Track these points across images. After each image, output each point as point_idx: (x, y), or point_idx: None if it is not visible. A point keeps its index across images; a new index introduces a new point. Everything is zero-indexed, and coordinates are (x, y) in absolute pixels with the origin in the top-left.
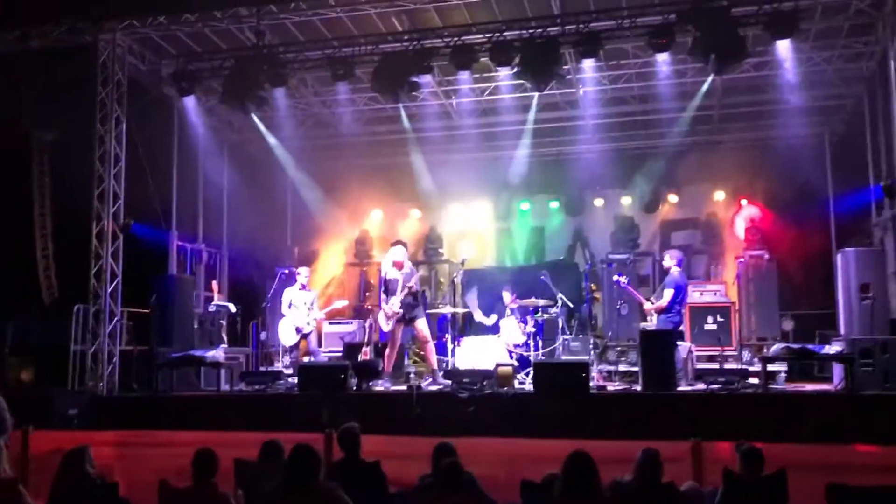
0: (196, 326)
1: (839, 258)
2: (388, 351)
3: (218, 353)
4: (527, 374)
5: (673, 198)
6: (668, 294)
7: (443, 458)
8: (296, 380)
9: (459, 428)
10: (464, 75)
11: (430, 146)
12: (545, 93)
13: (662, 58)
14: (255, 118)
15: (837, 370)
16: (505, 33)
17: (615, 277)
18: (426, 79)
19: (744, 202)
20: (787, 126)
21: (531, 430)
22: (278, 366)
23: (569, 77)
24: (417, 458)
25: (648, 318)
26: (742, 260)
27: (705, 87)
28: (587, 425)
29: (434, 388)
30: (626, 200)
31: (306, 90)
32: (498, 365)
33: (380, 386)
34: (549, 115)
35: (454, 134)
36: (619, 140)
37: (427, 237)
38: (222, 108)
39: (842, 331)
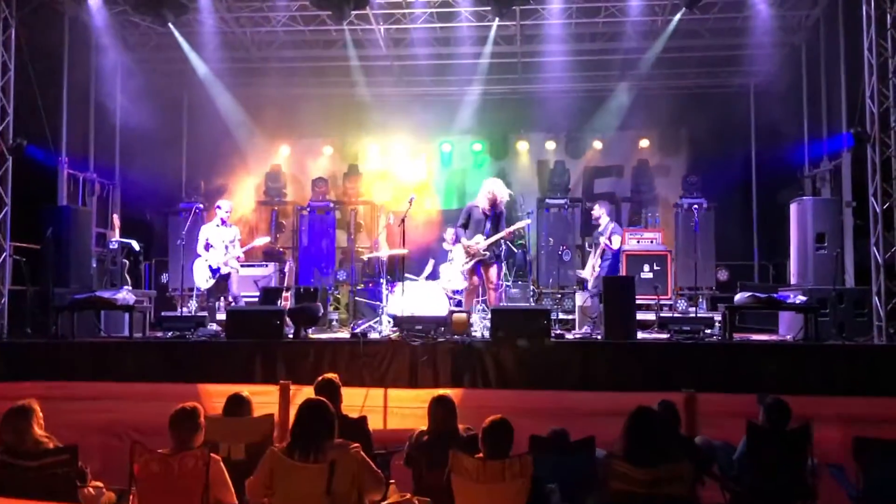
0: (95, 265)
1: (794, 207)
2: (467, 289)
3: (128, 296)
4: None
5: (598, 144)
6: (617, 240)
7: (444, 412)
8: (215, 326)
9: (411, 378)
10: None
11: (347, 77)
12: (476, 25)
13: None
14: (175, 30)
15: (785, 320)
16: None
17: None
18: None
19: None
20: (713, 75)
21: (490, 381)
22: (180, 312)
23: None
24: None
25: (591, 267)
26: (679, 208)
27: (671, 27)
28: (550, 375)
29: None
30: (550, 145)
31: (220, 4)
32: (451, 311)
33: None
34: (469, 50)
35: (375, 66)
36: (546, 82)
37: (345, 176)
38: (117, 22)
39: (793, 280)
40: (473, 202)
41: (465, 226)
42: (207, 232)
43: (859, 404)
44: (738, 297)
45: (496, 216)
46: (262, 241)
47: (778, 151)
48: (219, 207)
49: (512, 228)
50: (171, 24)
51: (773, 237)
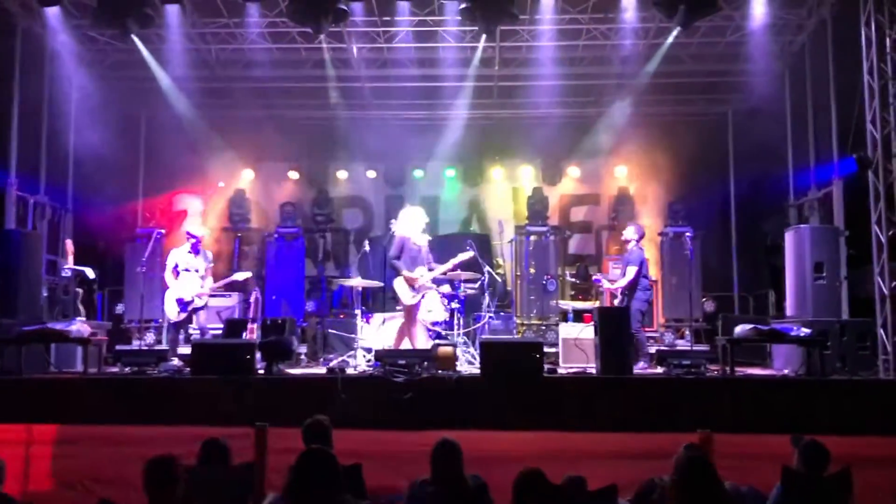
0: (45, 295)
1: (790, 235)
2: (405, 326)
3: (82, 327)
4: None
5: (574, 171)
6: (632, 270)
7: (449, 459)
8: (177, 361)
9: (394, 419)
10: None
11: (315, 99)
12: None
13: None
14: (139, 42)
15: (781, 353)
16: None
17: (595, 276)
18: (358, 7)
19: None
20: (692, 102)
21: (481, 420)
22: (138, 345)
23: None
24: (372, 458)
25: (616, 299)
26: (665, 236)
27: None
28: (545, 414)
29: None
30: (525, 172)
31: (185, 19)
32: (437, 344)
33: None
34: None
35: (345, 87)
36: (523, 107)
37: (315, 202)
38: (73, 36)
39: (790, 311)
40: (403, 234)
41: (399, 258)
42: (177, 257)
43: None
44: (738, 329)
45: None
46: (243, 275)
47: (758, 180)
48: (190, 235)
49: (457, 260)
50: (134, 36)
51: (754, 268)
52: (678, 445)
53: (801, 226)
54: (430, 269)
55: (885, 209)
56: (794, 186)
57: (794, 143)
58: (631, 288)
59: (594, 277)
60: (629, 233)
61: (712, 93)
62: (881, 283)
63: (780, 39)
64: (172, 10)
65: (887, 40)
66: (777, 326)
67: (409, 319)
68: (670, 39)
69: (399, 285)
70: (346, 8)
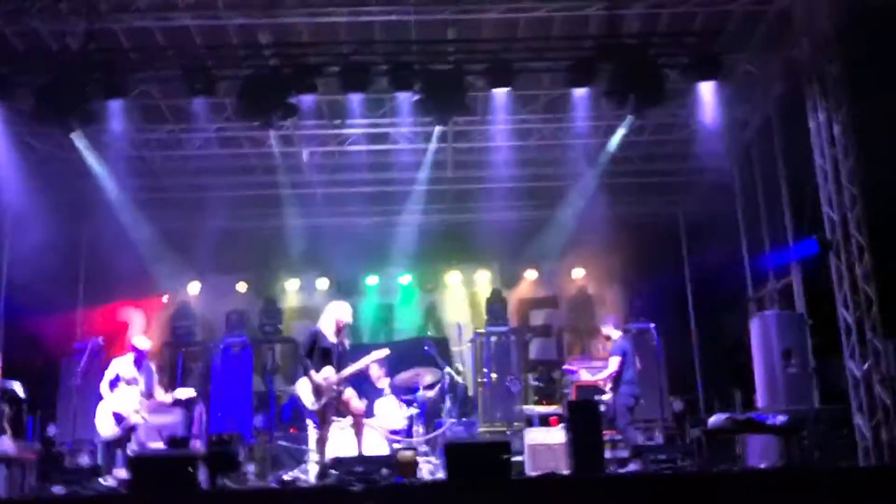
0: None
1: (755, 323)
2: (319, 433)
3: (8, 446)
4: None
5: (531, 274)
6: (615, 361)
7: None
8: (111, 481)
9: None
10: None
11: (265, 209)
12: (409, 148)
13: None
14: (80, 143)
15: (757, 447)
16: (401, 57)
17: (564, 367)
18: (309, 101)
19: None
20: (643, 203)
21: None
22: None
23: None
24: None
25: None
26: (628, 332)
27: (615, 141)
28: None
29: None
30: (482, 276)
31: (129, 125)
32: (398, 449)
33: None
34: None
35: (295, 194)
36: (476, 211)
37: (263, 312)
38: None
39: (760, 402)
40: (317, 327)
41: (310, 354)
42: (118, 368)
43: None
44: (712, 419)
45: (342, 345)
46: (185, 392)
47: (714, 275)
48: (134, 348)
49: (369, 359)
50: (73, 136)
51: (717, 366)
52: None
53: (767, 312)
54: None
55: (850, 291)
56: (752, 278)
57: (747, 235)
58: (615, 381)
59: (566, 366)
60: (608, 329)
61: (663, 192)
62: (852, 366)
63: (727, 136)
64: (116, 113)
65: (834, 125)
66: (753, 416)
67: (319, 425)
68: (621, 132)
69: (302, 387)
70: (295, 102)
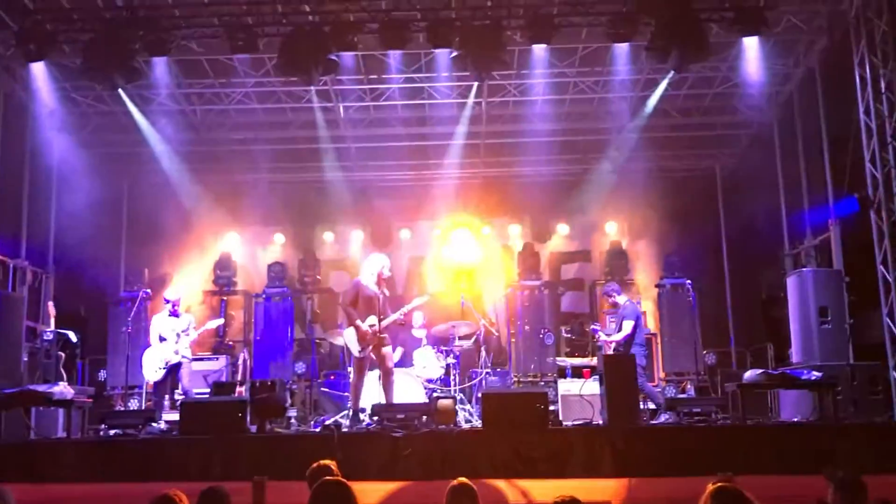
0: (25, 359)
1: (792, 280)
2: (355, 380)
3: (65, 390)
4: None
5: (563, 229)
6: (629, 325)
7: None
8: (163, 424)
9: (395, 474)
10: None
11: (301, 162)
12: (443, 102)
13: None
14: (125, 96)
15: (790, 401)
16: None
17: (591, 327)
18: (349, 59)
19: None
20: (680, 157)
21: (484, 473)
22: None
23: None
24: None
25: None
26: (662, 288)
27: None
28: (552, 464)
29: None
30: (513, 230)
31: (171, 80)
32: (437, 398)
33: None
34: (432, 131)
35: (332, 148)
36: (509, 165)
37: (302, 264)
38: (56, 100)
39: (795, 358)
40: (358, 279)
41: (354, 304)
42: (158, 324)
43: None
44: (748, 374)
45: (384, 294)
46: (215, 323)
47: (750, 231)
48: (167, 301)
49: (410, 307)
50: (121, 91)
51: (751, 321)
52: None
53: (804, 269)
54: (382, 319)
55: (891, 248)
56: (789, 234)
57: (785, 190)
58: (627, 343)
59: (592, 326)
60: (615, 298)
61: (701, 146)
62: (890, 324)
63: (768, 90)
64: (160, 68)
65: (881, 80)
66: (788, 371)
67: (356, 373)
68: (663, 86)
69: (349, 335)
70: (336, 58)
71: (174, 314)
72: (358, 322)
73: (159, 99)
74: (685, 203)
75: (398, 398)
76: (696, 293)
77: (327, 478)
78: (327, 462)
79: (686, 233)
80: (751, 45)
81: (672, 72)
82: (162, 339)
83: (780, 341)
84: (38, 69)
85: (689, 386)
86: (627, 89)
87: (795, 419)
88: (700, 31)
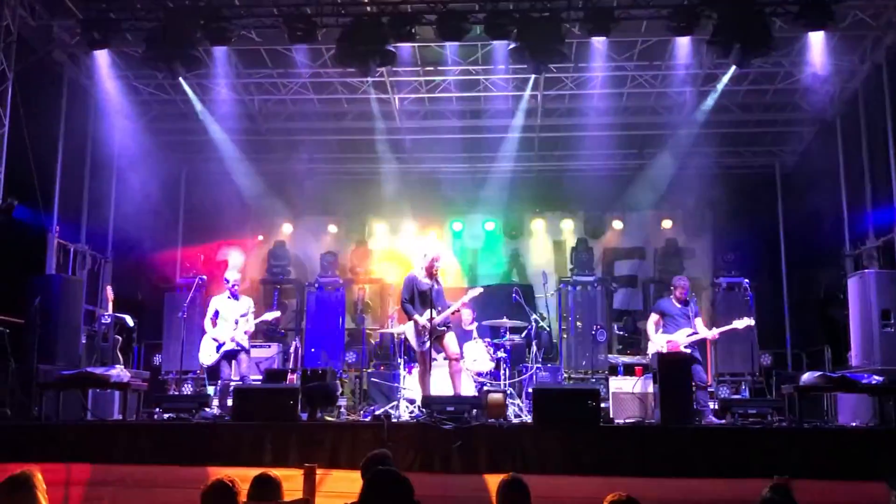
0: (84, 342)
1: (853, 282)
2: (421, 371)
3: (122, 373)
4: None
5: (617, 224)
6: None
7: (519, 498)
8: (216, 409)
9: (443, 466)
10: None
11: (355, 153)
12: (498, 95)
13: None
14: (186, 85)
15: (849, 406)
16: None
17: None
18: (405, 50)
19: None
20: (738, 153)
21: (533, 468)
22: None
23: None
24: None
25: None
26: (717, 287)
27: (716, 93)
28: (602, 462)
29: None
30: (567, 224)
31: (230, 69)
32: (487, 391)
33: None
34: (486, 124)
35: (385, 140)
36: (564, 160)
37: (354, 254)
38: (117, 88)
39: (855, 361)
40: (411, 273)
41: (411, 300)
42: (217, 303)
43: None
44: (805, 377)
45: (438, 285)
46: (271, 315)
47: (810, 231)
48: (226, 280)
49: (466, 298)
50: (181, 79)
51: (807, 323)
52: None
53: (866, 271)
54: (439, 312)
55: None
56: (850, 234)
57: (848, 189)
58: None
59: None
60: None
61: (761, 142)
62: None
63: (832, 86)
64: (219, 57)
65: None
66: (847, 374)
67: (420, 365)
68: (724, 80)
69: (409, 330)
70: (393, 49)
71: (234, 296)
72: (416, 317)
73: (218, 88)
74: (743, 200)
75: (447, 391)
76: (753, 293)
77: (381, 467)
78: (384, 451)
79: (743, 231)
80: (816, 41)
81: (734, 66)
82: (216, 319)
83: (838, 344)
84: (102, 57)
85: (743, 387)
86: (687, 84)
87: (854, 424)
88: (763, 26)
